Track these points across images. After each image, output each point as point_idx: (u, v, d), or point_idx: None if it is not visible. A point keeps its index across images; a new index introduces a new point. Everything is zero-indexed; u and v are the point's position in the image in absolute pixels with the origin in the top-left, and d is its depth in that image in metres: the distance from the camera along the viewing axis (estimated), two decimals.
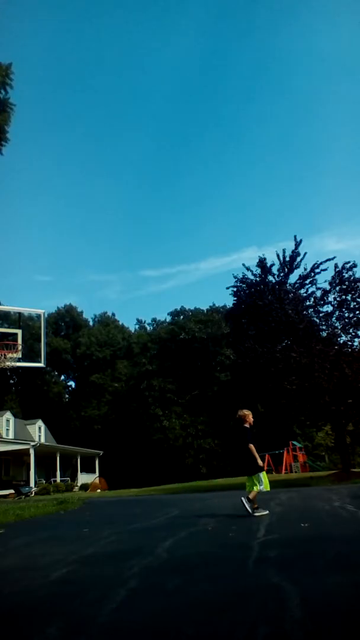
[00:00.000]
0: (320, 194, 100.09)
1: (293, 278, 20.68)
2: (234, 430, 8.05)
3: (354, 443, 31.30)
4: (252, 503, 7.25)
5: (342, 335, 19.72)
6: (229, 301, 39.65)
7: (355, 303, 19.45)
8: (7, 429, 33.67)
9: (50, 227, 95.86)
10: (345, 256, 76.35)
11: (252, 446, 7.45)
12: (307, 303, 20.30)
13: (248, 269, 20.86)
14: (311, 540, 4.93)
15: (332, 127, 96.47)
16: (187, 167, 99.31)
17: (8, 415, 34.94)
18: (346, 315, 19.66)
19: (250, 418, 7.77)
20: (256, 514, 7.07)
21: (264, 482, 7.43)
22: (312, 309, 20.33)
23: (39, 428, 38.60)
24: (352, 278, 19.42)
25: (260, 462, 7.43)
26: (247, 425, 7.70)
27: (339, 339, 19.63)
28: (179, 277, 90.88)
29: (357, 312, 19.44)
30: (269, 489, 7.56)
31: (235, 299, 21.53)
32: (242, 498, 7.31)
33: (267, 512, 7.24)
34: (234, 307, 22.22)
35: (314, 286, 20.21)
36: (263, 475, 7.49)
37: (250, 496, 7.32)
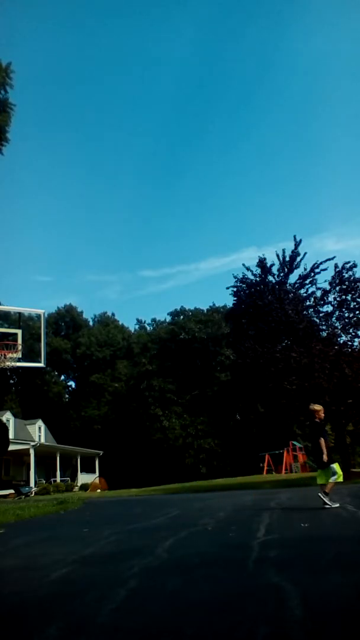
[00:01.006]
0: (319, 194, 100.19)
1: (293, 278, 20.73)
2: (309, 425, 8.33)
3: (354, 443, 31.30)
4: (328, 495, 7.41)
5: (342, 335, 19.74)
6: (229, 301, 39.66)
7: (355, 303, 19.46)
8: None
9: (50, 228, 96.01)
10: (345, 256, 76.45)
11: (321, 440, 7.60)
12: (307, 303, 20.32)
13: (248, 269, 20.90)
14: (311, 540, 4.93)
15: (332, 128, 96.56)
16: (187, 168, 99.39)
17: (8, 415, 34.90)
18: (346, 315, 19.68)
19: (321, 414, 7.90)
20: (326, 506, 7.23)
21: (337, 473, 7.56)
22: (312, 309, 20.35)
23: (39, 428, 38.59)
24: (352, 278, 19.44)
25: (325, 456, 7.54)
26: (317, 420, 7.84)
27: (339, 339, 19.64)
28: (178, 277, 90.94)
29: (357, 312, 19.45)
30: (342, 480, 7.64)
31: (235, 299, 21.55)
32: (319, 494, 7.48)
33: (337, 504, 7.33)
34: (234, 307, 22.24)
35: (314, 286, 20.24)
36: (336, 467, 7.62)
37: (327, 489, 7.46)
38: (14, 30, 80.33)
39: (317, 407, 7.94)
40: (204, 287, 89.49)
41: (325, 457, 7.52)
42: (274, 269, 20.65)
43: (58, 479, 31.85)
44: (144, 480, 36.59)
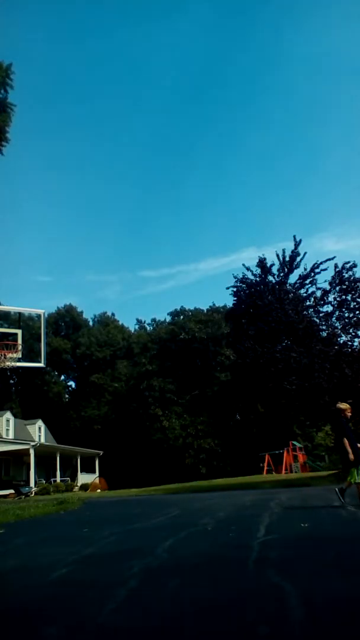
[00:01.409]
0: (318, 194, 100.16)
1: (293, 278, 20.69)
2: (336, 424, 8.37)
3: None
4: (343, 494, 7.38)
5: (342, 335, 19.71)
6: (229, 301, 39.70)
7: (355, 303, 19.44)
8: (7, 429, 33.66)
9: (50, 228, 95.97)
10: (344, 256, 76.46)
11: (345, 440, 7.54)
12: (307, 303, 20.29)
13: (248, 269, 20.86)
14: (311, 540, 4.93)
15: (331, 129, 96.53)
16: (187, 168, 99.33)
17: (8, 415, 34.93)
18: (346, 315, 19.65)
19: (347, 413, 7.81)
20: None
21: (352, 476, 7.48)
22: (312, 309, 20.32)
23: (39, 428, 38.59)
24: (352, 278, 19.42)
25: (351, 455, 7.41)
26: (343, 418, 7.83)
27: (339, 339, 19.62)
28: (178, 277, 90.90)
29: (357, 312, 19.43)
30: (354, 482, 7.53)
31: (235, 299, 21.51)
32: (336, 489, 7.50)
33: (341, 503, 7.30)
34: (234, 307, 22.21)
35: (314, 286, 20.20)
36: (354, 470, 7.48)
37: (344, 486, 7.46)
38: (15, 32, 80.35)
39: (344, 405, 7.89)
40: (204, 288, 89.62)
41: (351, 457, 7.38)
42: (274, 269, 20.63)
43: (58, 479, 31.84)
44: (144, 480, 36.60)
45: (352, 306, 19.51)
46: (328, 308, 20.06)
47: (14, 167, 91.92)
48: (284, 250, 20.56)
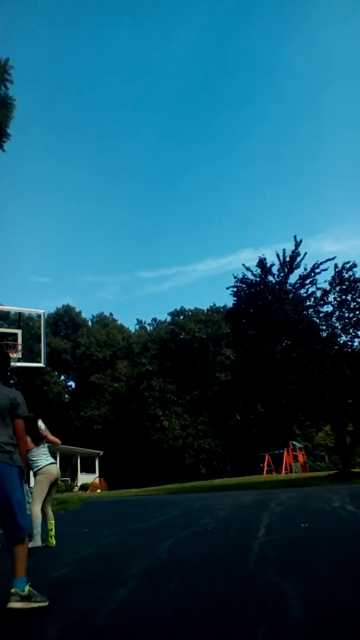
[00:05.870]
0: (316, 196, 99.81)
1: (293, 278, 20.70)
2: None
3: (354, 443, 31.29)
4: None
5: (342, 335, 19.73)
6: (229, 301, 39.71)
7: (355, 303, 19.45)
8: None
9: (49, 229, 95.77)
10: (342, 258, 76.34)
11: None
12: (307, 303, 20.31)
13: (248, 269, 20.85)
14: (311, 540, 4.93)
15: (328, 130, 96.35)
16: (185, 169, 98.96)
17: None
18: (346, 315, 19.67)
19: None
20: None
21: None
22: (312, 309, 20.34)
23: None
24: (352, 278, 19.44)
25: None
26: None
27: (339, 339, 19.64)
28: (176, 278, 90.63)
29: (357, 312, 19.45)
30: None
31: (235, 299, 21.52)
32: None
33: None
34: (234, 307, 22.21)
35: (314, 286, 20.21)
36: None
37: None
38: (15, 29, 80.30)
39: None
40: (201, 289, 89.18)
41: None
42: (274, 269, 20.65)
43: None
44: (144, 480, 36.59)
45: (352, 306, 19.52)
46: (328, 308, 20.08)
47: (12, 166, 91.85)
48: (284, 251, 20.58)
